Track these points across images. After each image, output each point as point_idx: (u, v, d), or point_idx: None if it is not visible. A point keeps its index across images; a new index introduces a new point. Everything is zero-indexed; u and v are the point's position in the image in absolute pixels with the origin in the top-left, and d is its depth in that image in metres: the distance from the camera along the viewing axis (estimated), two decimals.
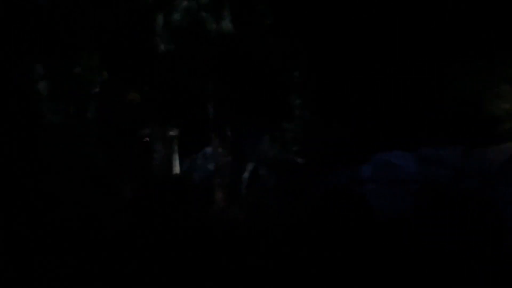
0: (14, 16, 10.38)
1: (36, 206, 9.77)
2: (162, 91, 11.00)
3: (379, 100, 12.00)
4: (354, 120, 12.10)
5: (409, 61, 11.66)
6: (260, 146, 11.46)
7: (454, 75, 11.49)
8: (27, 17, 10.47)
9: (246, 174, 11.35)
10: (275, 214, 11.00)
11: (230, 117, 11.18)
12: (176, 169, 11.15)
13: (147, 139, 11.03)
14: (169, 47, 10.83)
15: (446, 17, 11.47)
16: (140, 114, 10.97)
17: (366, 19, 11.84)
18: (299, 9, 11.50)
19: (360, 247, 9.38)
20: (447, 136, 11.30)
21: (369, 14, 11.83)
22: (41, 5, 10.48)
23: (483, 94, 11.23)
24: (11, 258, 8.82)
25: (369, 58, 11.87)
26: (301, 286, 8.90)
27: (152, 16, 10.79)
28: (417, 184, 10.98)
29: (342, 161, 11.79)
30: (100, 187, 10.46)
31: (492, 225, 10.05)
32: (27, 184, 9.84)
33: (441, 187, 10.79)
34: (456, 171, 10.93)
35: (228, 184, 11.19)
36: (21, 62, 10.37)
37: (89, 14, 10.62)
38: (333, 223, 10.01)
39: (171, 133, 11.14)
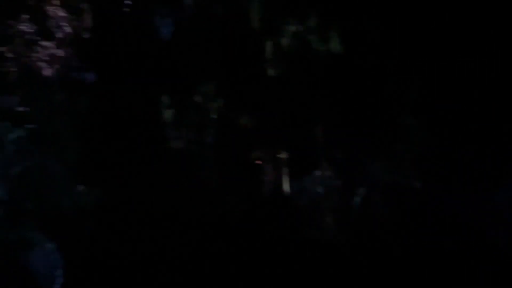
0: (144, 52, 11.05)
1: (160, 224, 10.47)
2: (272, 115, 11.05)
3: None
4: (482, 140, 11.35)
5: None
6: (371, 170, 11.07)
7: None
8: (155, 53, 11.18)
9: (357, 199, 11.00)
10: (392, 246, 10.60)
11: (339, 139, 10.94)
12: (286, 191, 11.08)
13: (259, 161, 11.10)
14: (278, 72, 10.91)
15: None
16: (252, 138, 11.10)
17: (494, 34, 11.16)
18: (413, 25, 11.08)
19: None
20: None
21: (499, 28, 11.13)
22: (167, 41, 11.08)
23: None
24: None
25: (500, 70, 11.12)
26: None
27: (262, 43, 10.92)
28: None
29: (470, 186, 11.08)
30: (214, 207, 10.75)
31: None
32: (152, 202, 10.41)
33: None
34: None
35: (338, 208, 10.92)
36: (148, 93, 11.01)
37: (208, 46, 11.05)
38: None
39: (281, 155, 11.10)
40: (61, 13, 10.52)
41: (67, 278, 9.49)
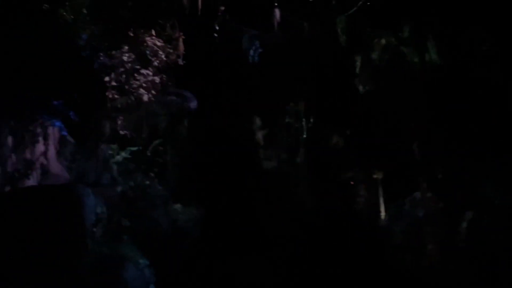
0: (235, 75, 11.09)
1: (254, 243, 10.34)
2: (363, 132, 10.33)
3: None
4: None
5: None
6: (480, 190, 9.73)
7: None
8: (245, 75, 11.14)
9: (463, 224, 9.67)
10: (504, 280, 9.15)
11: (440, 157, 9.83)
12: (381, 214, 10.10)
13: (352, 182, 10.34)
14: (369, 87, 10.27)
15: None
16: (343, 157, 10.45)
17: None
18: None
19: None
20: None
21: None
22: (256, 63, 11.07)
23: None
24: None
25: None
26: None
27: (351, 58, 10.43)
28: None
29: None
30: (306, 228, 10.39)
31: None
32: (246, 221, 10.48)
33: None
34: None
35: (441, 234, 9.68)
36: (240, 116, 10.94)
37: (297, 66, 10.84)
38: None
39: (375, 176, 10.22)
40: (158, 42, 10.86)
41: None
